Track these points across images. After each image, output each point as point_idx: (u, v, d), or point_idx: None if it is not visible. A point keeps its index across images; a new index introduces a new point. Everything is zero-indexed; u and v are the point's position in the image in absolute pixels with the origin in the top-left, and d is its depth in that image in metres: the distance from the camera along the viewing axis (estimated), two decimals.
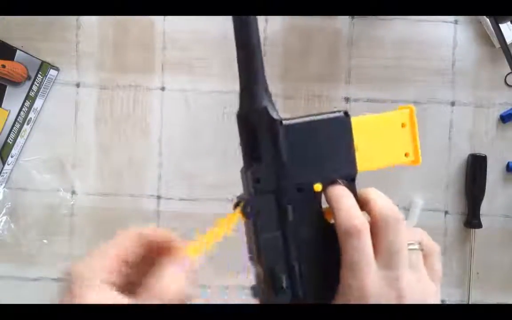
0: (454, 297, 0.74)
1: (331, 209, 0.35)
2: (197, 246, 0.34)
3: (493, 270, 0.74)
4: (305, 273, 0.34)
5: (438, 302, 0.35)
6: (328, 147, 0.36)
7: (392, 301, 0.33)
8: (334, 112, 0.36)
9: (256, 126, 0.34)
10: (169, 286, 0.32)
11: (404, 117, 0.40)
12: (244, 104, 0.34)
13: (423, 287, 0.35)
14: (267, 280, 0.34)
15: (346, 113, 0.36)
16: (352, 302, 0.33)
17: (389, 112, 0.39)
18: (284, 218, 0.34)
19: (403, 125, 0.40)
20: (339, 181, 0.36)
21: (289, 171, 0.34)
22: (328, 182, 0.35)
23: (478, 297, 0.74)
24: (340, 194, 0.35)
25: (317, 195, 0.35)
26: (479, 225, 0.73)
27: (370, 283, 0.33)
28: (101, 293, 0.32)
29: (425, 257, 0.36)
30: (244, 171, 0.34)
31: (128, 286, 0.34)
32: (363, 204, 0.35)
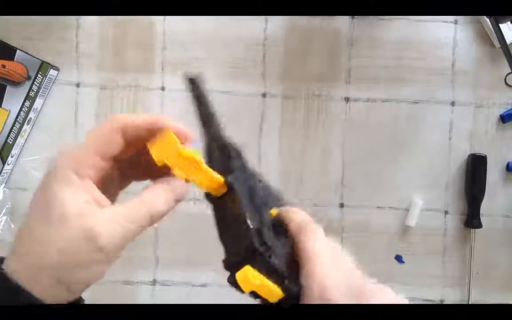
0: (454, 297, 0.74)
1: (286, 218, 0.37)
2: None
3: (493, 270, 0.74)
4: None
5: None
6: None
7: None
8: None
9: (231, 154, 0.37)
10: (160, 201, 0.33)
11: None
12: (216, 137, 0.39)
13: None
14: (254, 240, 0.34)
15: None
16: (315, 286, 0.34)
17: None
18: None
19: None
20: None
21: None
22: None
23: (478, 297, 0.74)
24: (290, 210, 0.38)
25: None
26: (479, 225, 0.73)
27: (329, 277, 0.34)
28: (77, 188, 0.31)
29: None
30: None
31: (108, 181, 0.34)
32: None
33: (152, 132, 0.35)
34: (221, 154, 0.38)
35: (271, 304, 0.34)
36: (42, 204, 0.31)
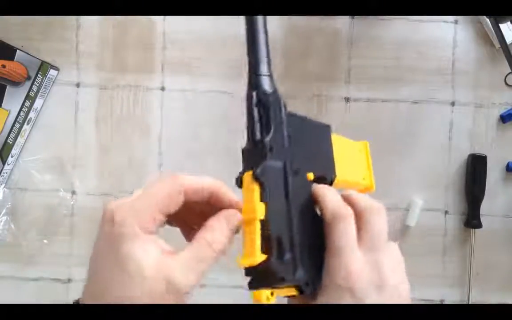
0: (454, 297, 0.74)
1: (319, 200, 0.37)
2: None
3: (493, 270, 0.74)
4: (298, 251, 0.35)
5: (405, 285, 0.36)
6: (316, 146, 0.41)
7: (375, 283, 0.35)
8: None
9: (269, 105, 0.38)
10: (221, 238, 0.34)
11: (360, 146, 0.46)
12: (259, 86, 0.39)
13: (402, 271, 0.37)
14: (273, 247, 0.34)
15: (329, 126, 0.42)
16: (339, 282, 0.34)
17: (349, 140, 0.45)
18: (287, 189, 0.36)
19: (360, 151, 0.45)
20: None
21: (289, 151, 0.37)
22: (317, 176, 0.39)
23: (478, 297, 0.74)
24: (328, 188, 0.38)
25: (309, 183, 0.38)
26: (479, 225, 0.73)
27: (354, 264, 0.35)
28: (147, 244, 0.32)
29: (359, 216, 0.37)
30: (255, 143, 0.37)
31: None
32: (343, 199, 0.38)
33: (210, 200, 0.36)
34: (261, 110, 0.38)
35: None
36: (114, 262, 0.32)
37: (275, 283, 0.34)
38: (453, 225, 0.74)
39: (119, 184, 0.74)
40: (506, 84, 0.74)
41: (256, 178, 0.35)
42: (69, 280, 0.73)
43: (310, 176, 0.38)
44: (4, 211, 0.73)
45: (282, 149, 0.37)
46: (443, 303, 0.74)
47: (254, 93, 0.39)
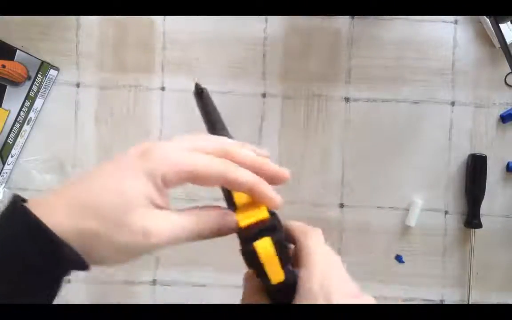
0: (454, 297, 0.74)
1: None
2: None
3: (493, 270, 0.74)
4: None
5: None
6: None
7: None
8: None
9: None
10: (208, 224, 0.36)
11: None
12: None
13: None
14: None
15: None
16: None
17: None
18: None
19: None
20: None
21: None
22: None
23: (478, 297, 0.74)
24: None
25: None
26: (479, 225, 0.73)
27: None
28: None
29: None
30: None
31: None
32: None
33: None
34: None
35: (269, 285, 0.36)
36: (115, 183, 0.34)
37: None
38: (453, 225, 0.74)
39: None
40: (506, 84, 0.74)
41: None
42: (69, 281, 0.73)
43: None
44: None
45: None
46: (443, 303, 0.74)
47: None
